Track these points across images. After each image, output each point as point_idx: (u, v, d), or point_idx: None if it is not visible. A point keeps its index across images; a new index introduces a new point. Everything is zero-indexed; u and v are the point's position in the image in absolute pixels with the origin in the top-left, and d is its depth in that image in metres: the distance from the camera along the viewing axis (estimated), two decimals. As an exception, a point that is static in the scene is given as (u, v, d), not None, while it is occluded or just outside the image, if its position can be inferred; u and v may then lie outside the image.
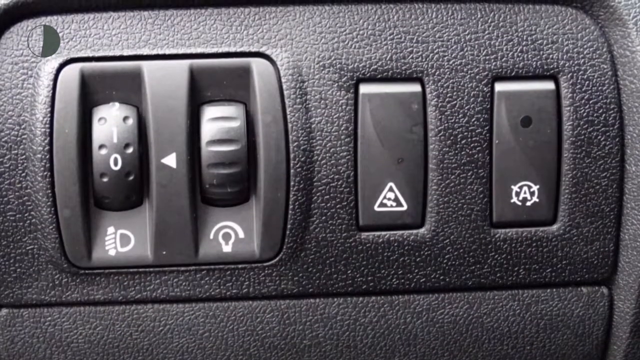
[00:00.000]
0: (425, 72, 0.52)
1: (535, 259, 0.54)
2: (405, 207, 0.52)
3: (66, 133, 0.50)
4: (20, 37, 0.51)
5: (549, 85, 0.52)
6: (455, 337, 0.55)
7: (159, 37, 0.51)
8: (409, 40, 0.52)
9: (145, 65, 0.50)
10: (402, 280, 0.54)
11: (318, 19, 0.52)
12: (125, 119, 0.50)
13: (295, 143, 0.51)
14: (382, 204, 0.52)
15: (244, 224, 0.52)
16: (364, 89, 0.52)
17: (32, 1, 0.51)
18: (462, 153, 0.52)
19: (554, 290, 0.55)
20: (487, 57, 0.52)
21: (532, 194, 0.53)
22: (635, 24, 0.52)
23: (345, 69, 0.51)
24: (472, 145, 0.52)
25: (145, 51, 0.51)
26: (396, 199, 0.52)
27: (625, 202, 0.53)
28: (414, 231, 0.53)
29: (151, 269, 0.52)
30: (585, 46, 0.52)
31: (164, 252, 0.51)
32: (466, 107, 0.52)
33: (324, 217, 0.52)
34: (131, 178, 0.50)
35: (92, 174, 0.50)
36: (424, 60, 0.52)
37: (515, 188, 0.53)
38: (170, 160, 0.50)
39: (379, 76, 0.52)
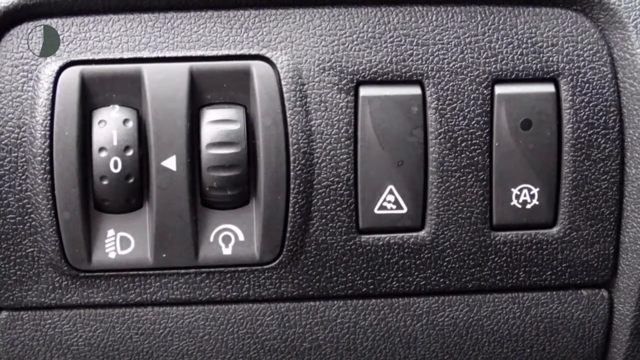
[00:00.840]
0: (425, 74, 0.52)
1: (535, 262, 0.54)
2: (405, 210, 0.52)
3: (66, 136, 0.50)
4: (20, 39, 0.51)
5: (549, 88, 0.52)
6: (455, 340, 0.55)
7: (159, 40, 0.51)
8: (409, 43, 0.52)
9: (145, 68, 0.50)
10: (402, 283, 0.54)
11: (318, 21, 0.52)
12: (125, 121, 0.50)
13: (295, 146, 0.51)
14: (382, 207, 0.52)
15: (244, 227, 0.52)
16: (364, 91, 0.52)
17: (32, 4, 0.51)
18: (462, 156, 0.52)
19: (554, 293, 0.55)
20: (487, 60, 0.52)
21: (532, 196, 0.53)
22: (635, 26, 0.52)
23: (345, 71, 0.51)
24: (472, 147, 0.52)
25: (145, 54, 0.51)
26: (396, 202, 0.52)
27: (625, 204, 0.53)
28: (414, 234, 0.53)
29: (151, 272, 0.52)
30: (585, 49, 0.52)
31: (164, 255, 0.51)
32: (466, 110, 0.52)
33: (324, 220, 0.52)
34: (131, 181, 0.50)
35: (92, 176, 0.50)
36: (424, 63, 0.52)
37: (515, 191, 0.53)
38: (170, 163, 0.50)
39: (379, 79, 0.52)
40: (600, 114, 0.52)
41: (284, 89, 0.51)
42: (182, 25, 0.51)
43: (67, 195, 0.50)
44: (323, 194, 0.52)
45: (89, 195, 0.51)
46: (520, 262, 0.54)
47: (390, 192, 0.52)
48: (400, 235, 0.53)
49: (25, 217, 0.51)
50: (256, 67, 0.51)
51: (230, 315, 0.54)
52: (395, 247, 0.53)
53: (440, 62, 0.52)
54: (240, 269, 0.53)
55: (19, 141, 0.51)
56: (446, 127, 0.52)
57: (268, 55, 0.51)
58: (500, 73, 0.52)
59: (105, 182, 0.50)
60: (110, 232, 0.51)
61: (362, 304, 0.54)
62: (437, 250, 0.53)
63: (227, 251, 0.52)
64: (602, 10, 0.52)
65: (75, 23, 0.51)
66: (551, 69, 0.52)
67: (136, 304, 0.53)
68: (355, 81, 0.52)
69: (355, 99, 0.52)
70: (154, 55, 0.51)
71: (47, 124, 0.50)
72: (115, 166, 0.50)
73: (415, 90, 0.52)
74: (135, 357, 0.54)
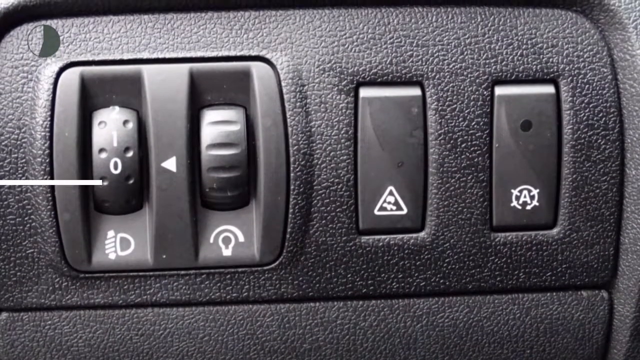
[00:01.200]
0: (425, 75, 0.52)
1: (535, 263, 0.54)
2: (405, 211, 0.52)
3: (66, 137, 0.50)
4: (20, 40, 0.51)
5: (549, 89, 0.52)
6: (455, 341, 0.55)
7: (159, 41, 0.51)
8: (409, 44, 0.52)
9: (145, 69, 0.50)
10: (402, 284, 0.54)
11: (318, 22, 0.52)
12: (125, 122, 0.50)
13: (295, 147, 0.51)
14: (382, 208, 0.52)
15: (244, 228, 0.52)
16: (364, 92, 0.52)
17: (32, 5, 0.51)
18: (462, 157, 0.52)
19: (554, 294, 0.55)
20: (487, 61, 0.52)
21: (532, 197, 0.53)
22: (635, 27, 0.52)
23: (346, 72, 0.51)
24: (472, 149, 0.52)
25: (145, 55, 0.51)
26: (396, 203, 0.52)
27: (625, 205, 0.53)
28: (414, 235, 0.53)
29: (151, 273, 0.52)
30: (585, 50, 0.52)
31: (164, 256, 0.51)
32: (466, 111, 0.52)
33: (324, 221, 0.52)
34: (131, 182, 0.50)
35: (92, 177, 0.50)
36: (424, 64, 0.52)
37: (515, 192, 0.53)
38: (170, 164, 0.50)
39: (379, 80, 0.52)
40: (600, 115, 0.52)
41: (284, 90, 0.51)
42: (182, 26, 0.51)
43: (67, 196, 0.50)
44: (323, 195, 0.52)
45: (89, 196, 0.51)
46: (520, 263, 0.54)
47: (390, 193, 0.52)
48: (400, 236, 0.53)
49: (25, 218, 0.51)
50: (256, 68, 0.51)
51: (230, 316, 0.54)
52: (395, 248, 0.53)
53: (441, 63, 0.52)
54: (240, 270, 0.53)
55: (19, 142, 0.51)
56: (446, 128, 0.52)
57: (268, 56, 0.51)
58: (500, 74, 0.52)
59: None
60: (110, 233, 0.51)
61: (362, 305, 0.54)
62: (437, 251, 0.53)
63: (227, 252, 0.52)
64: (602, 11, 0.52)
65: (75, 24, 0.51)
66: (551, 70, 0.52)
67: (136, 305, 0.53)
68: (355, 82, 0.52)
69: (355, 100, 0.52)
70: (154, 56, 0.51)
71: (47, 125, 0.50)
72: (115, 167, 0.50)
73: (416, 92, 0.52)
74: (135, 358, 0.54)
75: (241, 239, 0.52)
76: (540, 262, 0.54)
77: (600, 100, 0.52)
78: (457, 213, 0.53)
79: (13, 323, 0.53)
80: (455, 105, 0.52)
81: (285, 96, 0.51)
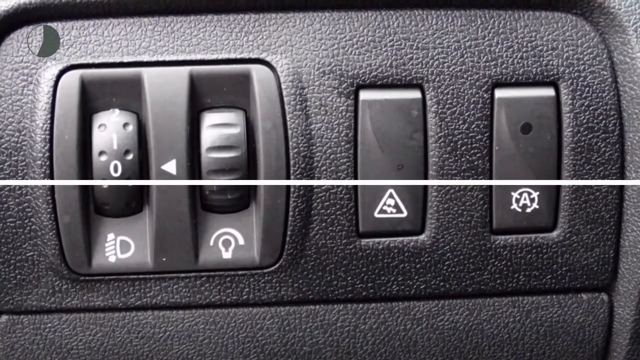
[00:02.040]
0: (425, 78, 0.52)
1: (535, 266, 0.54)
2: (405, 214, 0.52)
3: (66, 139, 0.50)
4: (20, 43, 0.51)
5: (549, 92, 0.52)
6: (455, 344, 0.55)
7: (159, 44, 0.51)
8: (409, 47, 0.52)
9: (145, 71, 0.50)
10: (402, 287, 0.54)
11: (318, 25, 0.52)
12: (125, 125, 0.50)
13: (295, 149, 0.51)
14: (382, 211, 0.52)
15: (244, 231, 0.52)
16: (364, 95, 0.52)
17: (32, 7, 0.51)
18: (462, 159, 0.52)
19: (554, 296, 0.55)
20: (487, 64, 0.52)
21: (532, 200, 0.53)
22: (635, 30, 0.52)
23: (345, 75, 0.51)
24: (472, 151, 0.52)
25: (145, 58, 0.51)
26: (396, 206, 0.52)
27: (625, 208, 0.53)
28: (414, 238, 0.53)
29: (151, 276, 0.52)
30: (585, 53, 0.52)
31: (164, 259, 0.51)
32: (466, 114, 0.52)
33: (324, 224, 0.52)
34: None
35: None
36: (424, 66, 0.52)
37: (515, 194, 0.53)
38: (170, 167, 0.50)
39: (379, 82, 0.52)
40: (600, 117, 0.52)
41: (284, 93, 0.51)
42: (182, 29, 0.51)
43: (67, 198, 0.50)
44: (323, 197, 0.52)
45: (89, 199, 0.51)
46: (520, 265, 0.54)
47: (390, 196, 0.52)
48: (400, 239, 0.53)
49: (25, 221, 0.51)
50: (256, 70, 0.51)
51: (230, 319, 0.54)
52: (395, 250, 0.53)
53: (440, 65, 0.52)
54: (240, 272, 0.53)
55: (19, 145, 0.51)
56: (446, 131, 0.52)
57: (268, 59, 0.51)
58: (500, 77, 0.52)
59: (105, 186, 0.50)
60: (110, 236, 0.51)
61: (362, 308, 0.54)
62: (437, 254, 0.53)
63: (227, 255, 0.52)
64: (602, 14, 0.52)
65: (76, 27, 0.51)
66: (551, 72, 0.52)
67: (136, 307, 0.53)
68: (355, 85, 0.52)
69: (355, 102, 0.52)
70: (154, 59, 0.51)
71: (47, 128, 0.50)
72: (115, 170, 0.50)
73: (415, 94, 0.52)
74: (135, 361, 0.54)
75: (241, 241, 0.52)
76: (540, 264, 0.54)
77: (600, 103, 0.52)
78: (457, 216, 0.53)
79: (13, 326, 0.53)
80: (455, 108, 0.52)
81: (285, 99, 0.51)
